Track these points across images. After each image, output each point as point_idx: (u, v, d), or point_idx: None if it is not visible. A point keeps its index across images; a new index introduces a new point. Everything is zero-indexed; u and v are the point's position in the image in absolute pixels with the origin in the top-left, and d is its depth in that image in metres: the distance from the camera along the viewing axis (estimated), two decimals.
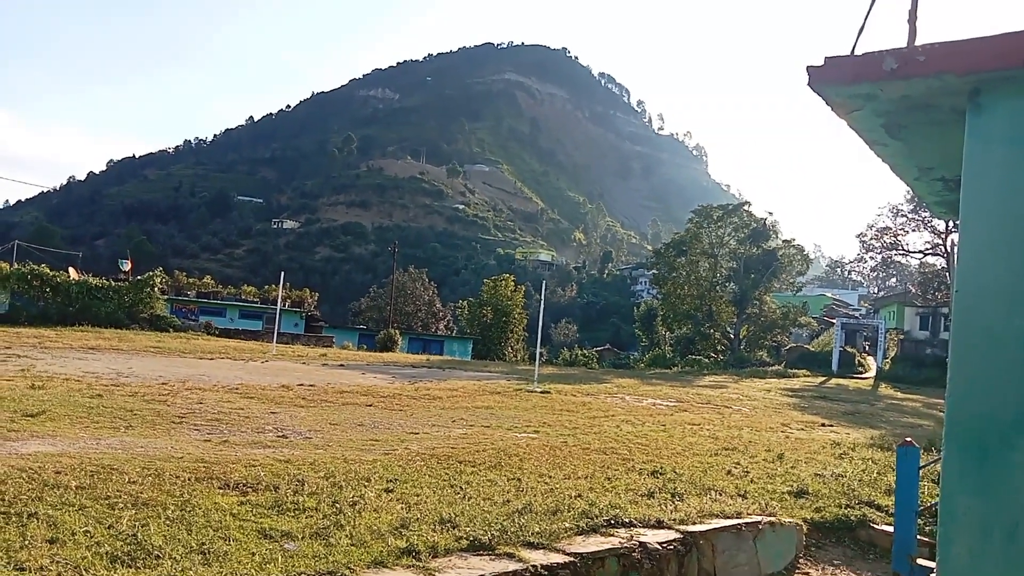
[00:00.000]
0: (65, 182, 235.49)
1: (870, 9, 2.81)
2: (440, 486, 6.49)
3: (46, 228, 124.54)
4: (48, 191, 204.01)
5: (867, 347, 48.84)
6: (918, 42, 2.64)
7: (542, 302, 21.36)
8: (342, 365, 22.07)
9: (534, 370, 21.00)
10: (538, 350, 24.54)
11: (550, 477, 7.27)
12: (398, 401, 13.42)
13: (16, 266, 30.54)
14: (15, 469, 5.46)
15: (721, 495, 7.19)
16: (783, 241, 48.66)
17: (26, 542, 4.15)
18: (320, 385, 15.05)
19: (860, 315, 66.89)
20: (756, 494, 7.41)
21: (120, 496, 5.12)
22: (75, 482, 5.30)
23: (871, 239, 54.06)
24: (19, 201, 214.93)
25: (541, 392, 16.83)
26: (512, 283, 54.44)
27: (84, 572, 3.88)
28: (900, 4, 2.81)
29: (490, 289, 53.78)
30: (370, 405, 12.59)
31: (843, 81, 2.66)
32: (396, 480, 6.51)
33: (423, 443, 8.73)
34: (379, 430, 9.89)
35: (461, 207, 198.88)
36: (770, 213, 50.68)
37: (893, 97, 2.67)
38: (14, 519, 4.50)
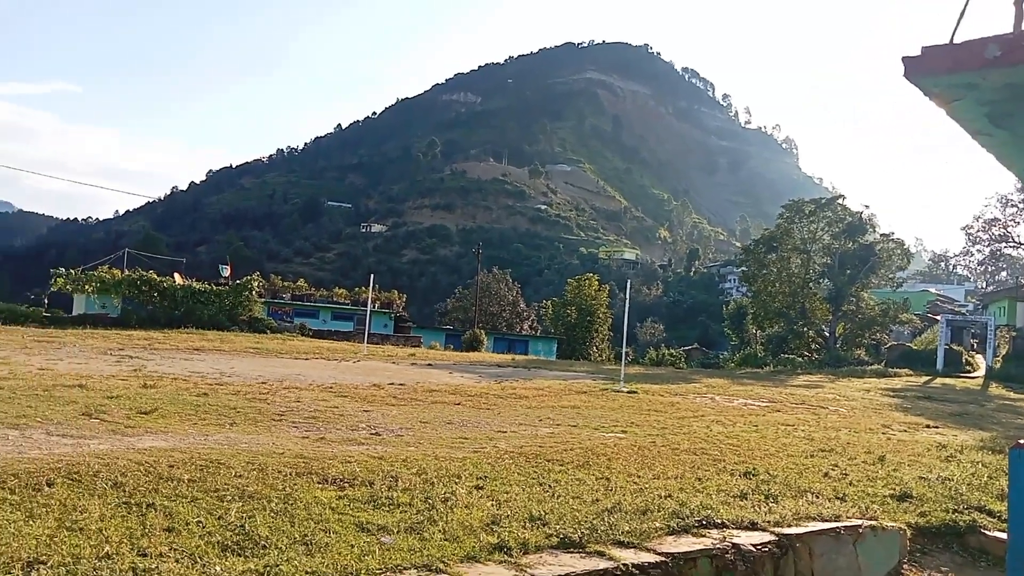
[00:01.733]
0: (168, 192, 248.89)
1: None
2: (529, 484, 6.55)
3: (152, 236, 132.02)
4: (153, 201, 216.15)
5: (975, 345, 46.13)
6: None
7: (627, 301, 21.21)
8: (430, 364, 22.49)
9: (620, 370, 20.83)
10: (624, 349, 24.35)
11: (639, 477, 7.22)
12: (485, 400, 13.58)
13: (127, 273, 32.50)
14: (133, 463, 5.83)
15: (818, 497, 6.97)
16: (881, 235, 46.51)
17: (146, 530, 4.44)
18: (410, 384, 15.38)
19: (967, 311, 63.35)
20: (855, 497, 7.15)
21: (228, 489, 5.40)
22: (187, 475, 5.62)
23: (978, 231, 51.24)
24: (127, 211, 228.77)
25: (628, 392, 16.69)
26: (596, 282, 54.16)
27: (199, 559, 4.12)
28: None
29: (574, 289, 53.66)
30: (458, 404, 12.79)
31: (941, 71, 2.56)
32: (486, 477, 6.61)
33: (511, 441, 8.82)
34: (468, 428, 10.05)
35: (544, 207, 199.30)
36: (866, 206, 48.46)
37: (996, 85, 2.55)
38: (135, 509, 4.82)
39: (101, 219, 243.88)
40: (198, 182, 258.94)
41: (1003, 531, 6.31)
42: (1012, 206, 46.82)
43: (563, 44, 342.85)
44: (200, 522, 4.68)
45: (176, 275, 35.89)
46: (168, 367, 15.26)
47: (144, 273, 31.56)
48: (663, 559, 5.07)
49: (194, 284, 32.14)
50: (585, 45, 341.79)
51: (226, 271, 39.93)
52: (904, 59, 2.61)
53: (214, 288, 32.04)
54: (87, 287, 30.73)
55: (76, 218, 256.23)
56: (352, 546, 4.58)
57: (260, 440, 7.89)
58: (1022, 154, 3.23)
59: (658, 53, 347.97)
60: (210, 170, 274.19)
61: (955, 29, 2.61)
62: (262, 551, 4.34)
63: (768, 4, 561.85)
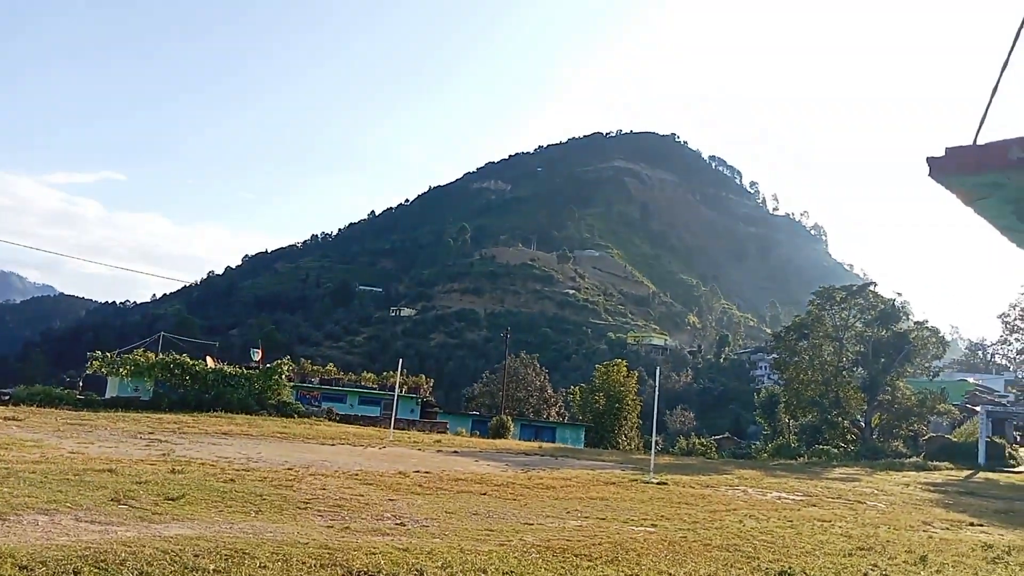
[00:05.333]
0: (205, 276, 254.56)
1: (992, 96, 2.77)
2: None
3: (187, 319, 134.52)
4: (190, 285, 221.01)
5: (1018, 437, 44.53)
6: None
7: (657, 388, 20.96)
8: (456, 452, 22.26)
9: (650, 459, 20.42)
10: (653, 438, 23.91)
11: (670, 574, 7.01)
12: (511, 490, 13.37)
13: (160, 356, 33.00)
14: (159, 551, 5.82)
15: None
16: (915, 323, 45.81)
17: None
18: (435, 472, 15.22)
19: (1008, 402, 61.31)
20: None
21: None
22: (212, 565, 5.60)
23: (1016, 319, 50.26)
24: (164, 295, 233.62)
25: (658, 483, 16.32)
26: (624, 368, 53.62)
27: None
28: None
29: (602, 375, 53.14)
30: (484, 494, 12.61)
31: (966, 171, 2.63)
32: (512, 572, 6.47)
33: (538, 534, 8.65)
34: (494, 519, 9.88)
35: (571, 292, 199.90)
36: (899, 293, 48.18)
37: (1021, 184, 2.61)
38: None
39: (138, 302, 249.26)
40: (234, 266, 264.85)
41: None
42: None
43: (592, 134, 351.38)
44: None
45: (208, 358, 36.33)
46: (196, 452, 15.31)
47: (177, 356, 32.01)
48: None
49: (225, 367, 32.47)
50: (613, 135, 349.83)
51: (257, 355, 40.33)
52: (928, 159, 2.68)
53: (244, 371, 32.32)
54: (121, 370, 31.18)
55: (114, 301, 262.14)
56: None
57: (285, 529, 7.84)
58: None
59: (685, 142, 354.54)
60: (246, 255, 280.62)
61: (978, 130, 2.69)
62: None
63: (790, 94, 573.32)
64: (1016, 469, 35.30)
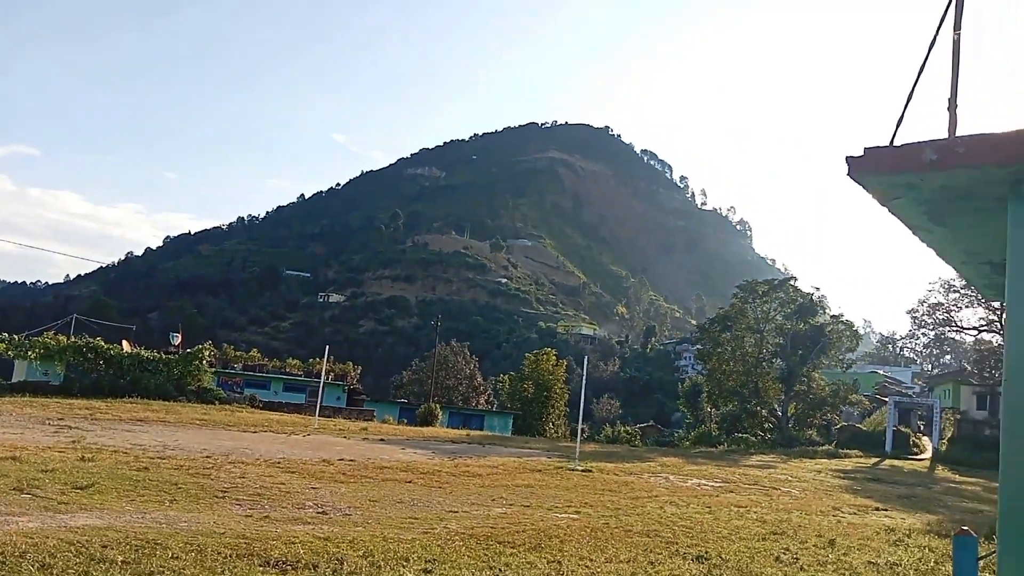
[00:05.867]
0: (123, 257, 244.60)
1: (909, 98, 2.86)
2: (479, 568, 6.39)
3: (103, 302, 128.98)
4: (106, 266, 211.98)
5: (922, 427, 47.01)
6: (959, 132, 2.68)
7: (584, 377, 21.21)
8: (382, 440, 22.05)
9: (575, 447, 20.68)
10: (580, 426, 24.22)
11: (591, 560, 7.10)
12: (437, 478, 13.33)
13: (72, 339, 31.53)
14: (64, 542, 5.56)
15: None
16: (831, 317, 47.74)
17: None
18: (360, 460, 15.04)
19: (914, 394, 64.63)
20: None
21: (163, 572, 5.17)
22: (120, 556, 5.37)
23: (923, 315, 52.91)
24: (79, 275, 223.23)
25: (583, 471, 16.55)
26: (554, 357, 54.16)
27: None
28: (941, 92, 2.85)
29: (532, 363, 53.55)
30: (409, 481, 12.53)
31: (883, 171, 2.69)
32: (435, 560, 6.44)
33: (462, 522, 8.63)
34: (418, 508, 9.82)
35: (504, 281, 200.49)
36: (817, 288, 49.98)
37: (934, 187, 2.69)
38: None
39: (51, 283, 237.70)
40: (155, 248, 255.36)
41: None
42: (955, 291, 48.58)
43: (527, 124, 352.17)
44: None
45: (124, 342, 34.92)
46: (109, 439, 14.70)
47: (90, 339, 30.65)
48: None
49: (142, 352, 31.27)
50: (548, 125, 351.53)
51: (177, 339, 38.96)
52: (848, 159, 2.74)
53: (163, 356, 31.21)
54: (30, 353, 29.67)
55: (24, 281, 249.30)
56: None
57: (201, 519, 7.60)
58: (959, 250, 3.38)
59: (618, 135, 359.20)
60: (168, 236, 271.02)
61: (895, 131, 2.77)
62: None
63: (721, 92, 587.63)
64: (919, 456, 37.29)
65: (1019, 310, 2.53)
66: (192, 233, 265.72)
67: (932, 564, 8.56)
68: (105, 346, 30.17)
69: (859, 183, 2.78)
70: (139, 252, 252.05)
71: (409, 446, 20.62)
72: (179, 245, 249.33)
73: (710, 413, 52.66)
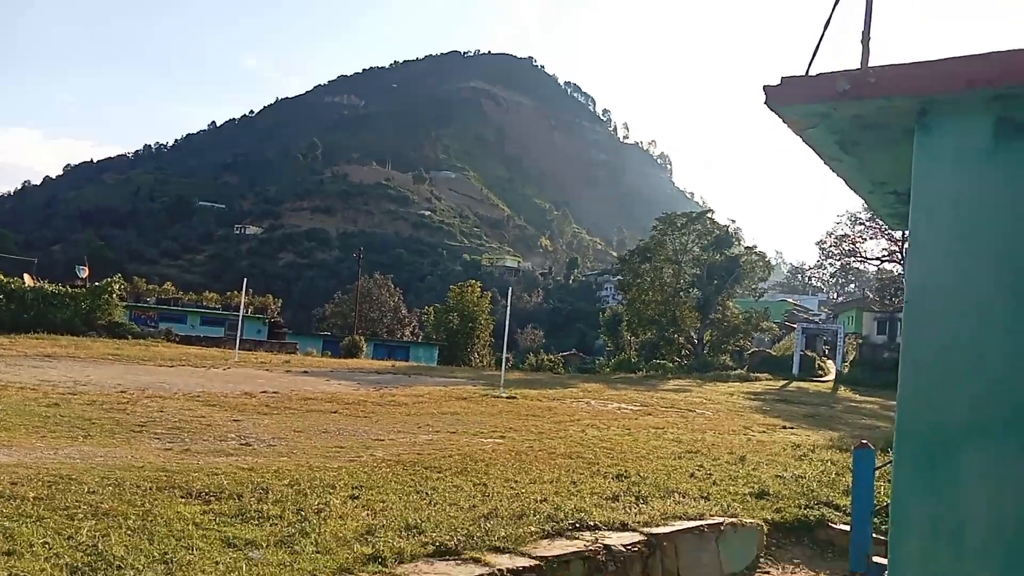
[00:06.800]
0: (20, 187, 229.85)
1: (825, 29, 2.89)
2: (406, 492, 6.49)
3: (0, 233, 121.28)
4: (1, 196, 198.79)
5: (827, 351, 49.73)
6: (871, 63, 2.74)
7: (508, 308, 21.44)
8: (306, 372, 21.86)
9: (500, 375, 21.02)
10: (504, 355, 24.62)
11: (516, 482, 7.30)
12: (363, 408, 13.35)
13: None
14: None
15: (684, 497, 7.29)
16: (745, 248, 49.40)
17: None
18: (284, 392, 14.90)
19: (820, 320, 68.14)
20: (718, 496, 7.53)
21: (79, 507, 5.04)
22: (32, 493, 5.20)
23: (830, 246, 55.32)
24: None
25: (507, 397, 16.86)
26: (478, 289, 54.41)
27: None
28: (856, 24, 2.90)
29: (456, 295, 53.70)
30: (335, 412, 12.51)
31: (798, 101, 2.74)
32: (362, 487, 6.49)
33: (389, 450, 8.71)
34: (344, 437, 9.84)
35: (427, 213, 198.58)
36: (732, 220, 51.72)
37: (846, 116, 2.75)
38: None
39: None
40: (54, 176, 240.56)
41: (848, 524, 6.82)
42: (860, 224, 50.89)
43: (449, 52, 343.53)
44: (46, 543, 4.33)
45: (26, 276, 33.10)
46: (14, 375, 14.05)
47: None
48: (537, 563, 5.15)
49: (46, 286, 29.73)
50: (471, 54, 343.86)
51: (83, 272, 37.16)
52: (765, 87, 2.77)
53: (69, 291, 29.75)
54: None
55: None
56: (216, 563, 4.38)
57: (117, 453, 7.42)
58: (867, 179, 3.49)
59: (542, 66, 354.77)
60: (68, 164, 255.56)
61: (811, 62, 2.80)
62: (117, 572, 4.07)
63: (646, 24, 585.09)
64: (824, 378, 39.55)
65: (920, 235, 2.65)
66: (95, 161, 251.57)
67: (834, 476, 9.17)
68: (5, 279, 28.52)
69: (776, 112, 2.83)
70: (37, 181, 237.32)
71: (334, 378, 20.51)
72: (81, 174, 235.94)
73: (630, 341, 54.26)
